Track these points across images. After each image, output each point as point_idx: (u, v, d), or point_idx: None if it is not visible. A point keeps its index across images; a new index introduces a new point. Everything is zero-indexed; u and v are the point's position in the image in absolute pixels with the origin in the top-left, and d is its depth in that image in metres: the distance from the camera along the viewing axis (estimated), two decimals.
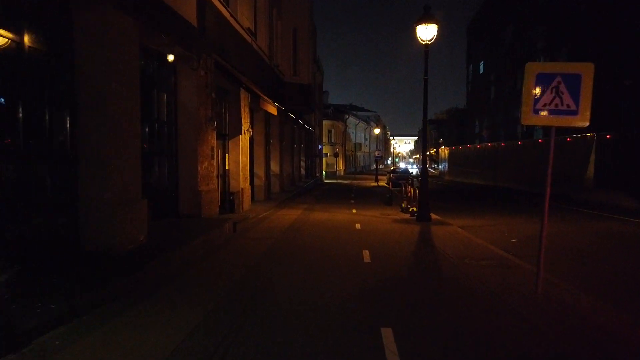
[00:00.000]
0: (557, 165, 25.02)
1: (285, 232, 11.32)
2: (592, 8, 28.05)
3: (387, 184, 38.54)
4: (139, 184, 7.89)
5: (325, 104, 60.98)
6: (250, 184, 18.41)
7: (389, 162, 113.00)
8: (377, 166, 47.28)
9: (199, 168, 11.12)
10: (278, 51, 22.29)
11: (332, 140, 62.00)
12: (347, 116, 70.56)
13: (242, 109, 15.39)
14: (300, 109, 25.86)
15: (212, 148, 12.17)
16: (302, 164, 35.04)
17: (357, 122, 79.33)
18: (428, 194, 13.50)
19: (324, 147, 52.39)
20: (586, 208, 18.88)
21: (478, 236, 11.11)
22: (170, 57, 9.70)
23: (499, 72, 45.11)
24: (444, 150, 63.13)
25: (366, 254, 8.41)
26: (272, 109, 18.70)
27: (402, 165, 69.86)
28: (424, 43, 13.25)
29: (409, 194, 15.69)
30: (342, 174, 62.86)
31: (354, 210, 16.65)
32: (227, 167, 14.95)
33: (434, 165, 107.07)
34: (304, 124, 33.02)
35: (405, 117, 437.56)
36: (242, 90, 15.12)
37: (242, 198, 15.25)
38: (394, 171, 41.10)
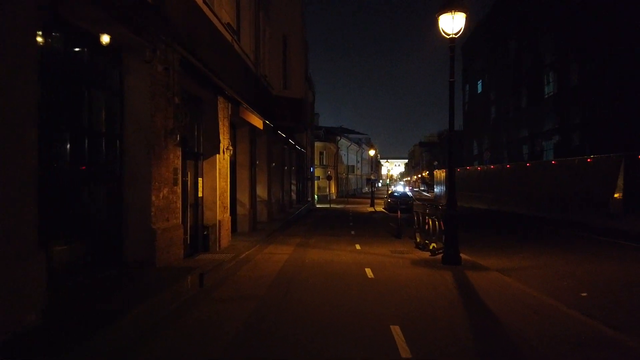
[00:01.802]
0: (576, 189, 22.38)
1: (272, 285, 8.22)
2: (605, 18, 25.83)
3: (386, 209, 35.64)
4: (30, 229, 4.82)
5: (316, 125, 58.45)
6: (231, 214, 15.33)
7: (380, 184, 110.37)
8: (372, 189, 44.44)
9: (154, 197, 8.07)
10: (266, 60, 19.52)
11: (324, 163, 59.25)
12: (339, 138, 68.07)
13: (221, 122, 12.42)
14: (292, 126, 22.99)
15: (176, 170, 9.14)
16: (293, 187, 32.04)
17: (349, 144, 76.84)
18: (457, 228, 10.52)
19: (315, 170, 49.56)
20: (623, 239, 16.00)
21: (532, 287, 8.15)
22: (105, 39, 6.73)
23: (500, 90, 42.88)
24: (439, 173, 60.53)
25: (398, 334, 5.35)
26: (257, 122, 15.77)
27: (398, 188, 67.01)
28: (448, 37, 10.49)
29: (426, 227, 12.71)
30: (335, 197, 59.92)
31: (357, 246, 13.60)
32: (200, 195, 11.89)
33: (422, 188, 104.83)
34: (295, 144, 30.13)
35: (394, 140, 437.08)
36: (219, 98, 12.19)
37: (220, 232, 12.17)
38: (391, 195, 38.12)
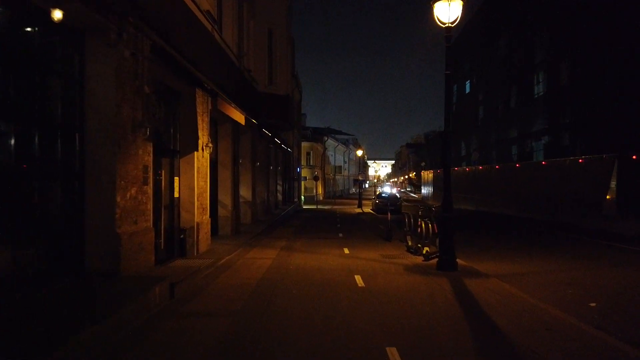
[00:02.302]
0: (567, 190, 21.88)
1: (252, 297, 7.38)
2: (603, 17, 25.43)
3: (374, 210, 34.95)
4: None
5: (303, 125, 57.69)
6: (212, 216, 14.48)
7: (367, 185, 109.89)
8: (360, 191, 43.77)
9: (119, 198, 7.19)
10: (250, 54, 18.67)
11: (311, 163, 58.50)
12: (326, 138, 67.36)
13: (199, 117, 11.56)
14: (277, 124, 22.15)
15: (146, 168, 8.27)
16: (279, 188, 31.19)
17: (336, 144, 76.22)
18: (453, 231, 9.80)
19: (302, 170, 48.78)
20: (619, 242, 15.49)
21: (536, 296, 7.48)
22: (57, 15, 5.84)
23: (488, 91, 42.49)
24: (427, 174, 60.24)
25: (395, 358, 4.58)
26: (239, 117, 14.87)
27: (385, 189, 66.63)
28: (444, 26, 9.80)
29: (419, 230, 11.98)
30: (322, 198, 59.20)
31: (346, 250, 12.82)
32: (176, 195, 11.01)
33: (408, 189, 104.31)
34: (281, 144, 29.28)
35: (381, 141, 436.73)
36: (198, 91, 11.32)
37: (198, 236, 11.30)
38: (379, 196, 37.45)
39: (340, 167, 79.94)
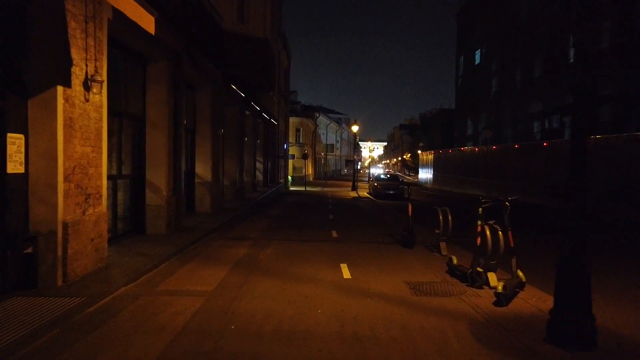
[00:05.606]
0: (615, 176, 16.22)
1: None
2: None
3: (371, 194, 29.68)
4: None
5: (293, 100, 51.94)
6: (137, 206, 9.18)
7: (358, 166, 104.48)
8: (355, 172, 38.44)
9: None
10: None
11: (301, 141, 52.88)
12: (318, 115, 61.65)
13: (72, 22, 6.09)
14: (253, 78, 16.56)
15: None
16: (259, 166, 25.73)
17: (329, 122, 70.48)
18: (589, 262, 4.50)
19: (290, 148, 43.31)
20: None
21: None
22: None
23: (504, 60, 37.04)
24: (426, 155, 54.93)
25: None
26: (146, 19, 8.46)
27: (377, 170, 61.42)
28: None
29: (478, 240, 6.63)
30: (312, 179, 53.96)
31: (345, 271, 7.49)
32: (16, 170, 5.60)
33: (396, 173, 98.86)
34: (261, 112, 23.72)
35: (373, 122, 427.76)
36: None
37: (67, 247, 5.94)
38: (378, 178, 32.14)
39: (332, 145, 74.46)
